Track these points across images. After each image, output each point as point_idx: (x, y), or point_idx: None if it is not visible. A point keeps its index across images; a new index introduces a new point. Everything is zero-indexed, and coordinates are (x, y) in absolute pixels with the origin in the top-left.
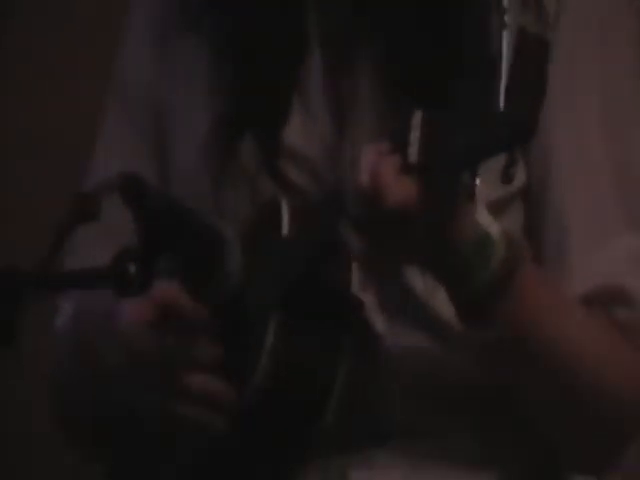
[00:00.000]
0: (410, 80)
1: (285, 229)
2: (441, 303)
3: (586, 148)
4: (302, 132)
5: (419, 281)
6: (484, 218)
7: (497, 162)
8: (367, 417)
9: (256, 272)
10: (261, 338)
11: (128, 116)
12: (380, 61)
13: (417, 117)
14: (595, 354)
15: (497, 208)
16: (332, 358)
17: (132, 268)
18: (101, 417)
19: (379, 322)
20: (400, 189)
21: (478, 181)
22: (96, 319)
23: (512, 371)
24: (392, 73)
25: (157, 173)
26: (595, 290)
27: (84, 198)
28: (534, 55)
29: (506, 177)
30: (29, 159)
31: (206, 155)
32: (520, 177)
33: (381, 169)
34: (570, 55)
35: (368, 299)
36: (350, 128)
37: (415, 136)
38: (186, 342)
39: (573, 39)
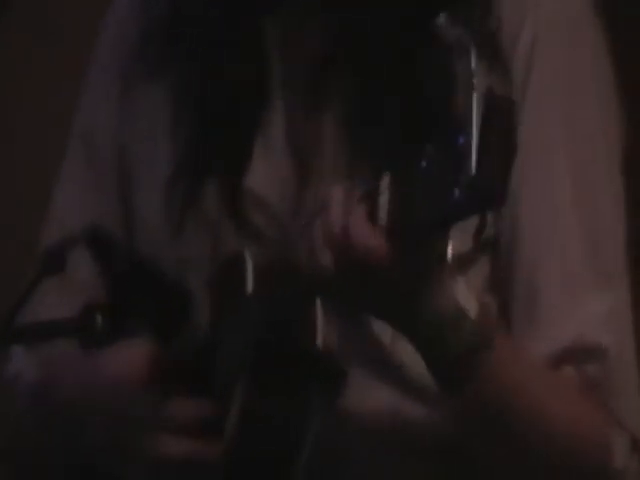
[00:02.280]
0: (375, 136)
1: (250, 287)
2: (408, 356)
3: (556, 207)
4: (264, 178)
5: (386, 334)
6: (462, 295)
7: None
8: (335, 472)
9: (222, 331)
10: (229, 399)
11: (90, 163)
12: (345, 116)
13: (385, 180)
14: (566, 421)
15: (464, 261)
16: (302, 417)
17: (99, 319)
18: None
19: (342, 369)
20: (370, 239)
21: (450, 247)
22: (65, 369)
23: (480, 435)
24: (357, 128)
25: (121, 222)
26: (565, 348)
27: (50, 251)
28: (502, 118)
29: (477, 242)
30: None
31: (168, 202)
32: (488, 231)
33: (351, 217)
34: (539, 117)
35: (334, 351)
36: (313, 178)
37: (384, 200)
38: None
39: (541, 101)
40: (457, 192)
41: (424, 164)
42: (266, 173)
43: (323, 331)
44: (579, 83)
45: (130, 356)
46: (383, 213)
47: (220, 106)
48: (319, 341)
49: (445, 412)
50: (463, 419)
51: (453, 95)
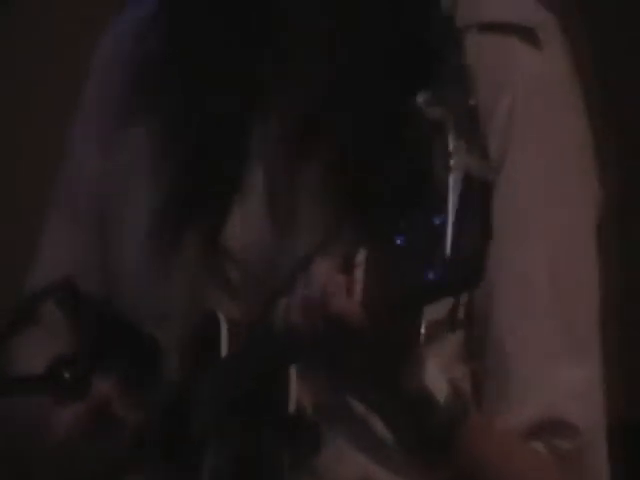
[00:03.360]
0: (353, 207)
1: (223, 349)
2: (381, 424)
3: (529, 284)
4: (241, 237)
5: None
6: (432, 376)
7: None
8: None
9: (193, 391)
10: (201, 459)
11: (73, 214)
12: (324, 184)
13: (361, 255)
14: None
15: (437, 333)
16: (271, 470)
17: (67, 374)
18: None
19: (316, 435)
20: (347, 310)
21: (423, 325)
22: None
23: None
24: (335, 199)
25: (101, 270)
26: (534, 423)
27: (22, 303)
28: (479, 199)
29: (451, 323)
30: None
31: (148, 253)
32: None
33: (333, 286)
34: (516, 197)
35: (307, 415)
36: (290, 241)
37: (359, 275)
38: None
39: (519, 182)
40: (431, 273)
41: (399, 241)
42: (243, 232)
43: (295, 395)
44: (557, 150)
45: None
46: (359, 287)
47: (198, 162)
48: (291, 405)
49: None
50: None
51: (431, 173)
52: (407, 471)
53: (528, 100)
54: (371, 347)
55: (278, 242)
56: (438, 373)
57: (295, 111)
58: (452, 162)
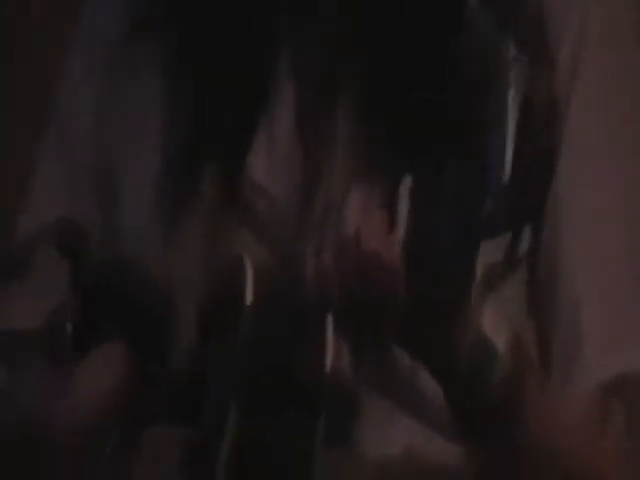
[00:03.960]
0: (396, 134)
1: (249, 298)
2: (431, 388)
3: (605, 227)
4: (268, 171)
5: (403, 357)
6: (490, 325)
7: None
8: None
9: (215, 349)
10: (221, 425)
11: (68, 164)
12: (363, 110)
13: (406, 184)
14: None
15: (495, 280)
16: (302, 448)
17: (69, 329)
18: None
19: (354, 402)
20: (385, 249)
21: (479, 266)
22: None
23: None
24: (376, 124)
25: (106, 214)
26: (614, 382)
27: (15, 248)
28: (542, 121)
29: (510, 260)
30: None
31: (159, 198)
32: (524, 245)
33: (368, 225)
34: (586, 121)
35: (343, 374)
36: (324, 177)
37: (403, 206)
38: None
39: (589, 103)
40: (489, 203)
41: (451, 169)
42: (271, 166)
43: (333, 354)
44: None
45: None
46: (402, 221)
47: (217, 81)
48: (328, 365)
49: (470, 451)
50: (490, 462)
51: (487, 92)
52: (458, 437)
53: (603, 27)
54: (417, 292)
55: (311, 181)
56: (498, 321)
57: (329, 27)
58: (511, 75)
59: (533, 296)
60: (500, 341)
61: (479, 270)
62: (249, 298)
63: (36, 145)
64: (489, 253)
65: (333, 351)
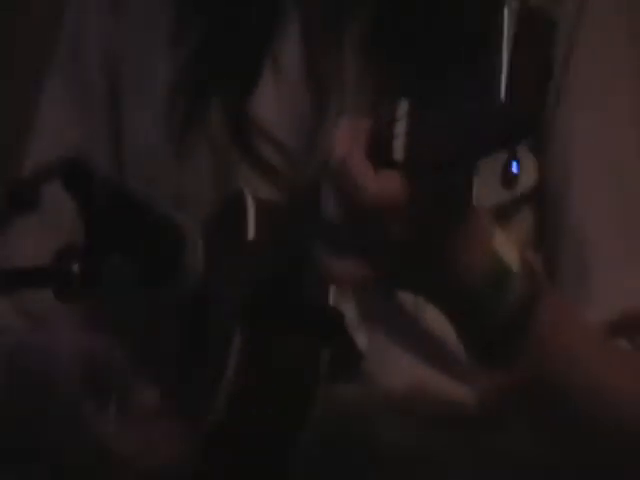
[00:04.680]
0: (398, 59)
1: (251, 231)
2: (433, 319)
3: (613, 154)
4: (273, 107)
5: (410, 297)
6: (502, 246)
7: (498, 162)
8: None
9: (220, 278)
10: (225, 353)
11: (77, 80)
12: (368, 40)
13: (403, 107)
14: (617, 389)
15: (500, 214)
16: (307, 376)
17: (76, 267)
18: None
19: (359, 337)
20: (382, 182)
21: (475, 184)
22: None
23: (522, 405)
24: (379, 51)
25: (110, 146)
26: (621, 316)
27: (20, 185)
28: (538, 35)
29: (506, 179)
30: None
31: (167, 122)
32: (527, 180)
33: (354, 153)
34: (596, 39)
35: (347, 310)
36: (332, 112)
37: (400, 129)
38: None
39: (600, 22)
40: (485, 120)
41: (447, 88)
42: (276, 101)
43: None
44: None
45: None
46: (399, 144)
47: (226, 15)
48: (331, 299)
49: (480, 385)
50: (505, 394)
51: (481, 6)
52: (466, 373)
53: None
54: (417, 214)
55: (318, 116)
56: (507, 242)
57: None
58: None
59: (539, 230)
60: (513, 260)
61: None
62: (251, 232)
63: (44, 66)
64: (494, 192)
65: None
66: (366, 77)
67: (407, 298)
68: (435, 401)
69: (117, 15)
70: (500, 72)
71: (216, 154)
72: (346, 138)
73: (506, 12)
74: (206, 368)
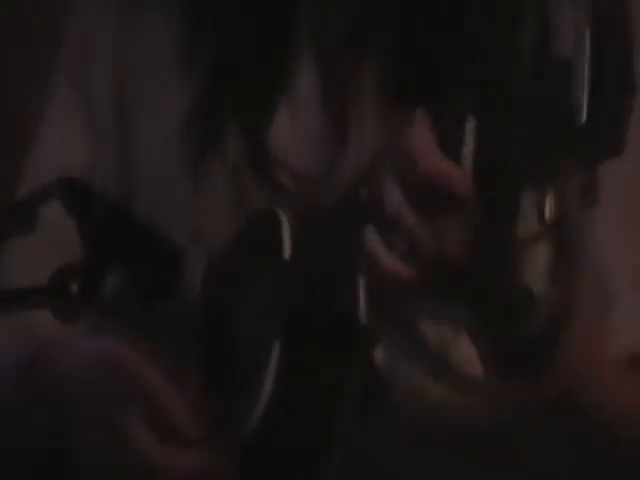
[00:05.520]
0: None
1: (287, 251)
2: (456, 350)
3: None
4: (291, 138)
5: (433, 328)
6: (530, 271)
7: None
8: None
9: (253, 297)
10: (262, 369)
11: (83, 100)
12: (392, 57)
13: (471, 122)
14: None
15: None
16: (339, 394)
17: (74, 287)
18: None
19: (382, 358)
20: (461, 176)
21: (548, 206)
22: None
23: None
24: (407, 69)
25: (117, 167)
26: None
27: (19, 205)
28: (616, 40)
29: (586, 200)
30: None
31: (178, 147)
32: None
33: (435, 156)
34: None
35: (374, 332)
36: (353, 139)
37: (468, 150)
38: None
39: None
40: (563, 140)
41: (515, 101)
42: (293, 130)
43: (366, 306)
44: None
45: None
46: (467, 162)
47: (237, 47)
48: (362, 316)
49: (498, 401)
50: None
51: (546, 14)
52: (478, 389)
53: None
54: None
55: (338, 145)
56: (535, 268)
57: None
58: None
59: (558, 257)
60: (538, 286)
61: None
62: (287, 250)
63: (48, 80)
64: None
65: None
66: (384, 108)
67: (430, 332)
68: (449, 422)
69: (124, 37)
70: (579, 83)
71: (233, 181)
72: (425, 135)
73: (580, 15)
74: (234, 383)
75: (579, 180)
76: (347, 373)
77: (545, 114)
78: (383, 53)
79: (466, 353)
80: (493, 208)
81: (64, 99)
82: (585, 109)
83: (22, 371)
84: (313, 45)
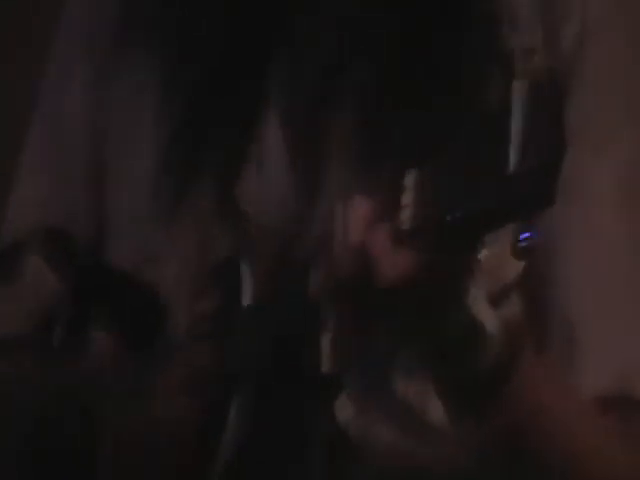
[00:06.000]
0: (397, 131)
1: (247, 299)
2: (419, 399)
3: (599, 218)
4: (259, 196)
5: (397, 376)
6: (480, 307)
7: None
8: None
9: (215, 348)
10: (223, 421)
11: (58, 149)
12: (358, 113)
13: (411, 177)
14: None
15: (502, 294)
16: (308, 440)
17: (58, 332)
18: None
19: (348, 407)
20: (392, 259)
21: (483, 254)
22: None
23: (500, 464)
24: (374, 127)
25: (92, 216)
26: (604, 397)
27: (2, 255)
28: (549, 104)
29: (517, 252)
30: None
31: (151, 195)
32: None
33: (374, 237)
34: (592, 101)
35: (337, 381)
36: (321, 193)
37: (409, 199)
38: None
39: (597, 81)
40: (494, 192)
41: (454, 155)
42: (260, 188)
43: (327, 352)
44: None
45: None
46: (407, 214)
47: (207, 105)
48: (325, 365)
49: (458, 446)
50: (479, 449)
51: (490, 77)
52: (441, 440)
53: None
54: (419, 291)
55: (306, 201)
56: (485, 304)
57: (317, 53)
58: (516, 59)
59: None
60: (491, 322)
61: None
62: (247, 298)
63: (24, 133)
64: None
65: (327, 348)
66: (353, 159)
67: (395, 380)
68: (419, 474)
69: (100, 89)
70: (509, 142)
71: (201, 231)
72: (360, 219)
73: (515, 83)
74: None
75: (514, 232)
76: (314, 424)
77: (480, 167)
78: (350, 115)
79: (434, 404)
80: (433, 262)
81: (40, 145)
82: (517, 163)
83: None
84: (282, 102)
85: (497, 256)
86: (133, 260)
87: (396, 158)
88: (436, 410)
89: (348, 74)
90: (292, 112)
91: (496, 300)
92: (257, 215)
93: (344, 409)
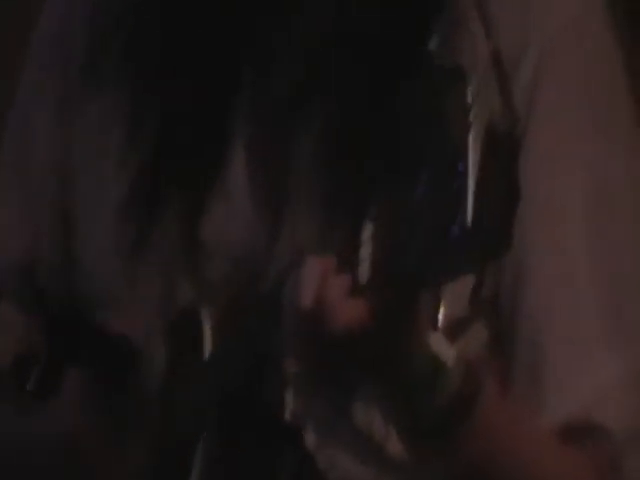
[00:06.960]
0: (356, 175)
1: (207, 349)
2: (381, 432)
3: (566, 257)
4: (224, 228)
5: (359, 409)
6: (437, 342)
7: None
8: None
9: (176, 396)
10: (187, 468)
11: (24, 188)
12: (320, 152)
13: (368, 231)
14: None
15: (458, 327)
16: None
17: (34, 373)
18: None
19: (311, 444)
20: (349, 312)
21: (442, 307)
22: None
23: None
24: (334, 166)
25: (59, 255)
26: (570, 425)
27: None
28: (504, 155)
29: (475, 300)
30: None
31: (115, 240)
32: (485, 291)
33: (328, 291)
34: (548, 149)
35: (301, 420)
36: (285, 226)
37: (366, 253)
38: None
39: (552, 131)
40: (453, 245)
41: (412, 208)
42: (225, 226)
43: (291, 400)
44: (594, 100)
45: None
46: (364, 268)
47: (172, 141)
48: (287, 412)
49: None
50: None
51: (447, 130)
52: (401, 471)
53: (560, 43)
54: (378, 343)
55: (270, 232)
56: (442, 339)
57: (283, 74)
58: (472, 115)
59: (493, 341)
60: (448, 356)
61: (441, 313)
62: (207, 350)
63: None
64: (451, 306)
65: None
66: (317, 195)
67: (356, 412)
68: None
69: (66, 125)
70: (467, 191)
71: (165, 275)
72: (314, 277)
73: (471, 134)
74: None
75: (470, 281)
76: (279, 463)
77: (435, 218)
78: (315, 139)
79: (394, 435)
80: (391, 314)
81: (5, 180)
82: (472, 213)
83: None
84: (246, 133)
85: (455, 292)
86: (100, 297)
87: (356, 208)
88: (396, 442)
89: (313, 108)
90: (257, 146)
91: (455, 335)
92: (222, 250)
93: (308, 440)
